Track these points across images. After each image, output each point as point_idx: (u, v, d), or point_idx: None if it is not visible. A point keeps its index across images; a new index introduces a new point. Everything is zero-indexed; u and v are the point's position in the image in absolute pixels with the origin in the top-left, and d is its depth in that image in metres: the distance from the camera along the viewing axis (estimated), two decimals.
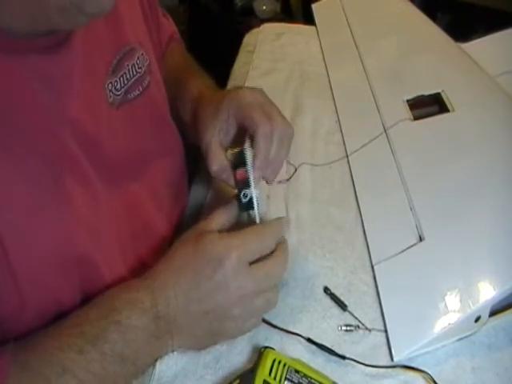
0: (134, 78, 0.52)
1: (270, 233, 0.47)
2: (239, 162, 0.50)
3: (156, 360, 0.47)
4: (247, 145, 0.50)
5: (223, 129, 0.52)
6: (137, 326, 0.43)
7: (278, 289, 0.48)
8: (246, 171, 0.50)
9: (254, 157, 0.50)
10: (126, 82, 0.51)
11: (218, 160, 0.51)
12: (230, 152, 0.53)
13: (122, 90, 0.50)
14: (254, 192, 0.50)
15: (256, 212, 0.50)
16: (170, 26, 0.75)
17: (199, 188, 0.67)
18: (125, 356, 0.42)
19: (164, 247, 0.53)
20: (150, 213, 0.57)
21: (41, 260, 0.42)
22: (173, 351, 0.48)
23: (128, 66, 0.51)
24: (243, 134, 0.52)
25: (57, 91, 0.42)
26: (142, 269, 0.49)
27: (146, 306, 0.43)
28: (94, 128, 0.47)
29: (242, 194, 0.50)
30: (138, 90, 0.52)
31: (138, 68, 0.52)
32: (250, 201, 0.50)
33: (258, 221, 0.50)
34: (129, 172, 0.53)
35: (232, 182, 0.51)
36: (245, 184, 0.50)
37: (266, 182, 0.53)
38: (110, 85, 0.49)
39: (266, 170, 0.51)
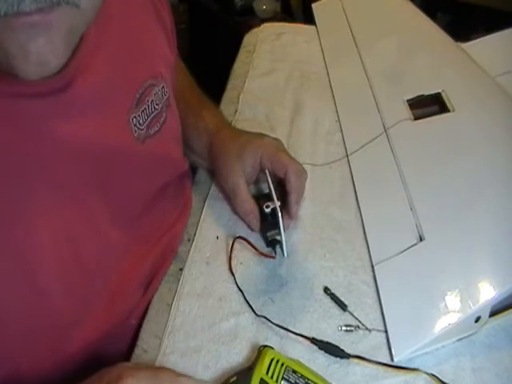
0: (153, 114, 0.52)
1: None
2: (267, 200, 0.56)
3: None
4: (271, 185, 0.56)
5: (249, 172, 0.59)
6: None
7: None
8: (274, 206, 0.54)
9: (290, 193, 0.56)
10: (146, 117, 0.51)
11: (247, 201, 0.58)
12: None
13: (145, 124, 0.51)
14: (283, 234, 0.54)
15: (284, 246, 0.55)
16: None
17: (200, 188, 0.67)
18: None
19: None
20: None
21: None
22: None
23: (148, 101, 0.51)
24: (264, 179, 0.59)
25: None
26: None
27: None
28: (117, 164, 0.48)
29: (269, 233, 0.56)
30: (157, 126, 0.53)
31: (156, 104, 0.52)
32: (275, 240, 0.56)
33: (285, 254, 0.55)
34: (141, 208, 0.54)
35: (257, 222, 0.57)
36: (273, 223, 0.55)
37: (290, 217, 0.58)
38: (134, 119, 0.49)
39: (297, 204, 0.57)
